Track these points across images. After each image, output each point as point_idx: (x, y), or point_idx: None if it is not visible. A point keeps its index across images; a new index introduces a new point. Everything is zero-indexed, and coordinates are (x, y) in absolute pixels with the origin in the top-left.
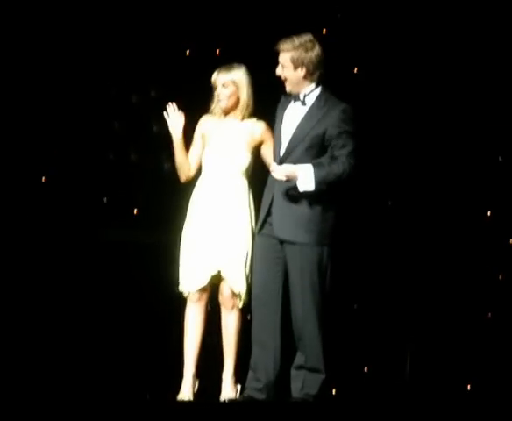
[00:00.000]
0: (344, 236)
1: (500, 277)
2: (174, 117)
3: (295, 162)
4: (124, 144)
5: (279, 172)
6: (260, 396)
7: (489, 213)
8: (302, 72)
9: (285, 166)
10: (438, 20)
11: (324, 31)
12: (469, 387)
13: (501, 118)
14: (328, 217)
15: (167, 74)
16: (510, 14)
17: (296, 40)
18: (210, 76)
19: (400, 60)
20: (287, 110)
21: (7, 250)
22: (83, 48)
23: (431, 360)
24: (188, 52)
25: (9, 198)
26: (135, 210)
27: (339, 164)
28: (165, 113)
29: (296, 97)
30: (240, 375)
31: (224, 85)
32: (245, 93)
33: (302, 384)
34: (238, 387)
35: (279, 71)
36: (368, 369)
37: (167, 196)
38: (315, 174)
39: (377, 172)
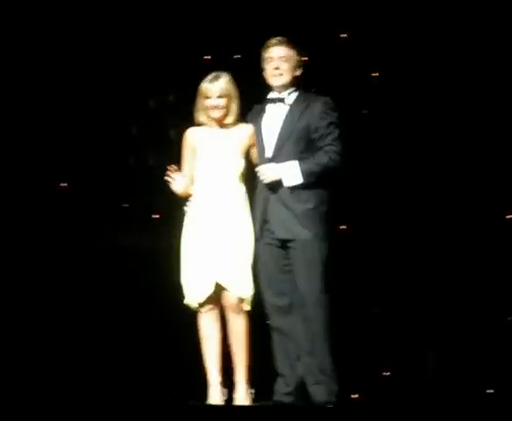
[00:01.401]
0: (364, 234)
1: None
2: (177, 180)
3: (285, 159)
4: (142, 149)
5: (266, 173)
6: (289, 400)
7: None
8: (298, 73)
9: (271, 166)
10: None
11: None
12: (490, 390)
13: None
14: (324, 210)
15: (185, 79)
16: None
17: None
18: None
19: (420, 53)
20: (266, 114)
21: (26, 253)
22: (102, 54)
23: (453, 363)
24: (205, 57)
25: (27, 203)
26: (156, 216)
27: (324, 153)
28: (167, 177)
29: (276, 99)
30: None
31: (219, 96)
32: (235, 101)
33: (319, 389)
34: (252, 391)
35: (281, 64)
36: (390, 373)
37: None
38: (301, 167)
39: (395, 168)
